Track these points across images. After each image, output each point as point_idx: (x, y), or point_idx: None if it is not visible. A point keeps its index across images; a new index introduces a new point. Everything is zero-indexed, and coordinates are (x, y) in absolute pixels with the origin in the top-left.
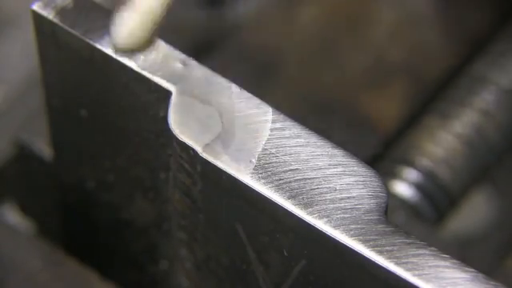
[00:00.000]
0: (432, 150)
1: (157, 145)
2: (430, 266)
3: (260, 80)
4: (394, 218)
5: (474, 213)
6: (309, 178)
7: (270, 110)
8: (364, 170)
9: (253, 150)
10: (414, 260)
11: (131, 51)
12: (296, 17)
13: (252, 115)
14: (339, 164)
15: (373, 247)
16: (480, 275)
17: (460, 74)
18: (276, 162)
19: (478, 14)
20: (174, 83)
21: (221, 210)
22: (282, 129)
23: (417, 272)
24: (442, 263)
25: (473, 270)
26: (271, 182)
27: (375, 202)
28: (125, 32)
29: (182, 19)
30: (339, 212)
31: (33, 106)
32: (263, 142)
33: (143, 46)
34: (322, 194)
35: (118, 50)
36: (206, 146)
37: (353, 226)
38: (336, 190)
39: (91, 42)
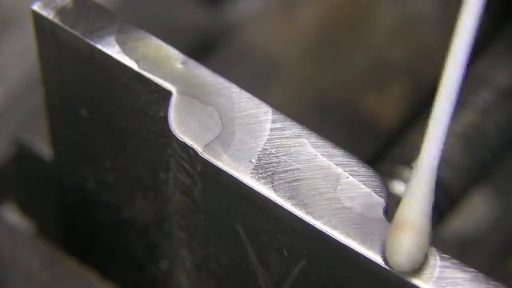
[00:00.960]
0: None
1: (157, 145)
2: (429, 266)
3: (260, 80)
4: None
5: (474, 213)
6: (309, 178)
7: (269, 110)
8: (364, 169)
9: (253, 150)
10: None
11: (409, 272)
12: (296, 17)
13: (252, 115)
14: (339, 164)
15: (373, 247)
16: (480, 275)
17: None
18: (276, 162)
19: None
20: (174, 83)
21: (221, 209)
22: (282, 129)
23: (417, 272)
24: (442, 263)
25: (473, 270)
26: (271, 182)
27: (375, 202)
28: (408, 256)
29: (182, 19)
30: (339, 212)
31: (33, 106)
32: (263, 142)
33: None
34: (321, 193)
35: (398, 271)
36: (206, 146)
37: (353, 226)
38: (336, 190)
39: (91, 42)
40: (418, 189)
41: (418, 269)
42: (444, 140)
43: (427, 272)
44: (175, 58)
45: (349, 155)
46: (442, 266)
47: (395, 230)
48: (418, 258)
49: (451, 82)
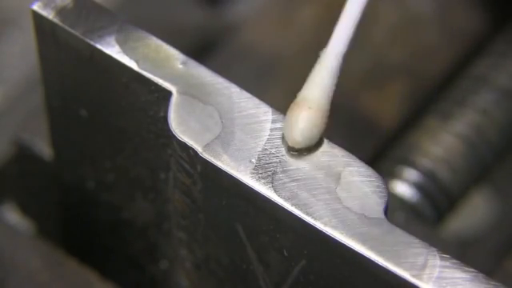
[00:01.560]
0: (432, 150)
1: (157, 145)
2: (429, 266)
3: (260, 80)
4: (393, 217)
5: (474, 213)
6: (309, 178)
7: (269, 110)
8: (364, 169)
9: (253, 150)
10: (414, 260)
11: (304, 150)
12: (296, 17)
13: (252, 115)
14: (339, 164)
15: (373, 247)
16: (480, 275)
17: (460, 74)
18: (276, 162)
19: (477, 14)
20: (174, 83)
21: (221, 209)
22: (282, 129)
23: (417, 272)
24: (442, 263)
25: (473, 270)
26: (271, 182)
27: (375, 202)
28: (301, 132)
29: (181, 19)
30: (339, 212)
31: (33, 106)
32: (263, 142)
33: (315, 143)
34: (321, 193)
35: (292, 149)
36: (206, 146)
37: (353, 226)
38: (336, 190)
39: (91, 42)
40: (319, 72)
41: (312, 147)
42: (352, 31)
43: (427, 272)
44: (175, 58)
45: (349, 155)
46: (441, 266)
47: (293, 108)
48: (312, 135)
49: None
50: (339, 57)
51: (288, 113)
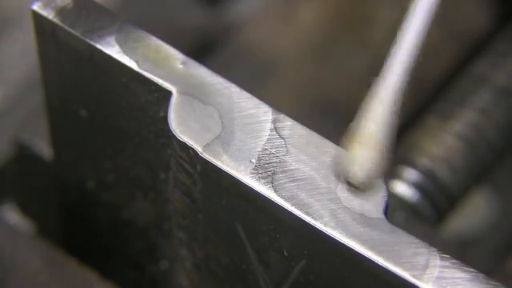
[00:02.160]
0: (432, 150)
1: (157, 145)
2: (429, 266)
3: (260, 80)
4: (393, 217)
5: (474, 213)
6: (308, 178)
7: (269, 110)
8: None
9: (253, 150)
10: (414, 260)
11: (363, 187)
12: (296, 16)
13: (252, 115)
14: (339, 164)
15: (373, 247)
16: (480, 275)
17: (460, 74)
18: (276, 162)
19: (477, 14)
20: (174, 83)
21: (221, 209)
22: (282, 129)
23: (417, 272)
24: (442, 263)
25: (473, 270)
26: (271, 182)
27: (375, 202)
28: (363, 169)
29: (181, 19)
30: (339, 212)
31: (33, 106)
32: (263, 142)
33: (374, 181)
34: (321, 193)
35: (351, 185)
36: (206, 146)
37: (353, 226)
38: (336, 190)
39: (91, 42)
40: (377, 107)
41: (371, 184)
42: (409, 64)
43: (427, 272)
44: (175, 58)
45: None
46: (442, 266)
47: (354, 145)
48: (374, 172)
49: (423, 6)
50: (397, 89)
51: (348, 150)
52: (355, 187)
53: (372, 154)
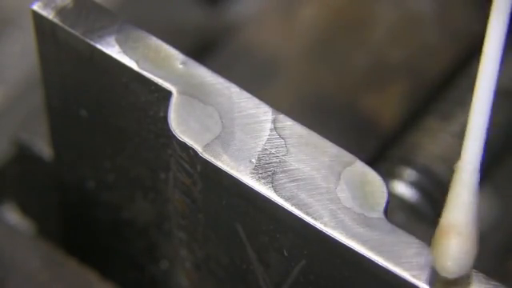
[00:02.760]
0: (432, 150)
1: (157, 145)
2: (429, 266)
3: (260, 80)
4: (394, 217)
5: None
6: (308, 178)
7: (269, 110)
8: (364, 169)
9: (253, 150)
10: (414, 260)
11: (455, 279)
12: (296, 17)
13: (252, 115)
14: (339, 164)
15: (373, 247)
16: (480, 275)
17: (460, 74)
18: (276, 162)
19: (477, 14)
20: (174, 83)
21: (221, 209)
22: (282, 129)
23: (417, 272)
24: None
25: (473, 270)
26: (271, 182)
27: (375, 202)
28: (454, 261)
29: (181, 19)
30: (339, 212)
31: (33, 106)
32: (263, 142)
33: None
34: (321, 193)
35: (443, 279)
36: (206, 146)
37: (353, 226)
38: (336, 190)
39: (91, 42)
40: (461, 193)
41: (466, 275)
42: (484, 140)
43: (427, 272)
44: (175, 58)
45: (349, 155)
46: None
47: (442, 235)
48: (466, 263)
49: (488, 80)
50: (476, 171)
51: (436, 241)
52: (448, 281)
53: (462, 245)
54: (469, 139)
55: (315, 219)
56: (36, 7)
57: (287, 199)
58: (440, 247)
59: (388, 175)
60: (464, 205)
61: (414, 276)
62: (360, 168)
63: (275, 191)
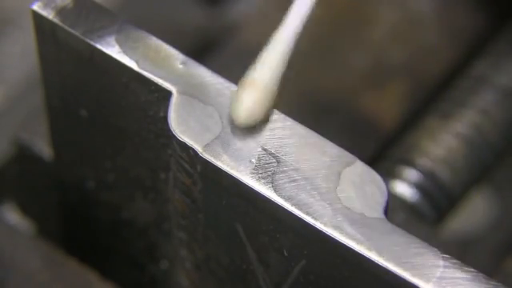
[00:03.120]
0: (432, 150)
1: (157, 145)
2: (429, 266)
3: None
4: (393, 217)
5: (474, 213)
6: (308, 178)
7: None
8: (364, 169)
9: (253, 150)
10: (414, 260)
11: (250, 126)
12: None
13: None
14: (339, 164)
15: (373, 247)
16: (480, 275)
17: (460, 74)
18: (276, 162)
19: (477, 14)
20: (174, 83)
21: (221, 209)
22: (282, 129)
23: (417, 272)
24: (442, 263)
25: (473, 270)
26: (271, 182)
27: (375, 202)
28: (245, 111)
29: (181, 19)
30: (339, 212)
31: (33, 106)
32: (263, 142)
33: (261, 120)
34: (321, 194)
35: (236, 125)
36: (206, 146)
37: (353, 226)
38: (336, 190)
39: (91, 42)
40: (269, 54)
41: (258, 123)
42: (307, 14)
43: (427, 272)
44: (175, 58)
45: (349, 155)
46: (441, 266)
47: (240, 88)
48: (255, 115)
49: None
50: (290, 39)
51: (234, 94)
52: (240, 125)
53: (256, 96)
54: (293, 7)
55: (315, 219)
56: (36, 7)
57: (287, 199)
58: (236, 99)
59: (388, 175)
60: (267, 65)
61: (414, 276)
62: (360, 168)
63: (275, 191)
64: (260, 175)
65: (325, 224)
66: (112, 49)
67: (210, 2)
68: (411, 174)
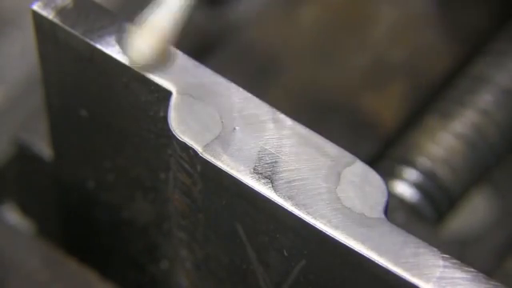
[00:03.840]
0: (432, 150)
1: (157, 145)
2: (429, 266)
3: (260, 80)
4: (393, 217)
5: (474, 213)
6: (309, 178)
7: (270, 109)
8: (364, 169)
9: (253, 150)
10: (414, 260)
11: (148, 66)
12: (296, 17)
13: (252, 115)
14: (339, 164)
15: (373, 247)
16: (480, 275)
17: (460, 74)
18: (276, 162)
19: (477, 14)
20: (174, 83)
21: (221, 210)
22: (282, 129)
23: (417, 272)
24: (442, 263)
25: (473, 270)
26: (271, 182)
27: (375, 202)
28: (137, 50)
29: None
30: (339, 212)
31: (33, 106)
32: (263, 142)
33: (159, 60)
34: (321, 193)
35: (133, 66)
36: (206, 146)
37: (353, 226)
38: (336, 190)
39: (91, 42)
40: (167, 3)
41: (156, 63)
42: None
43: (427, 272)
44: (175, 57)
45: (349, 155)
46: (441, 266)
47: (135, 33)
48: (145, 54)
49: None
50: None
51: (130, 38)
52: (136, 65)
53: (147, 37)
54: None
55: (315, 219)
56: (36, 7)
57: (287, 199)
58: (131, 38)
59: (388, 175)
60: (164, 12)
61: (413, 276)
62: (360, 168)
63: (275, 191)
64: (260, 175)
65: (325, 224)
66: (112, 49)
67: (210, 2)
68: (411, 173)
